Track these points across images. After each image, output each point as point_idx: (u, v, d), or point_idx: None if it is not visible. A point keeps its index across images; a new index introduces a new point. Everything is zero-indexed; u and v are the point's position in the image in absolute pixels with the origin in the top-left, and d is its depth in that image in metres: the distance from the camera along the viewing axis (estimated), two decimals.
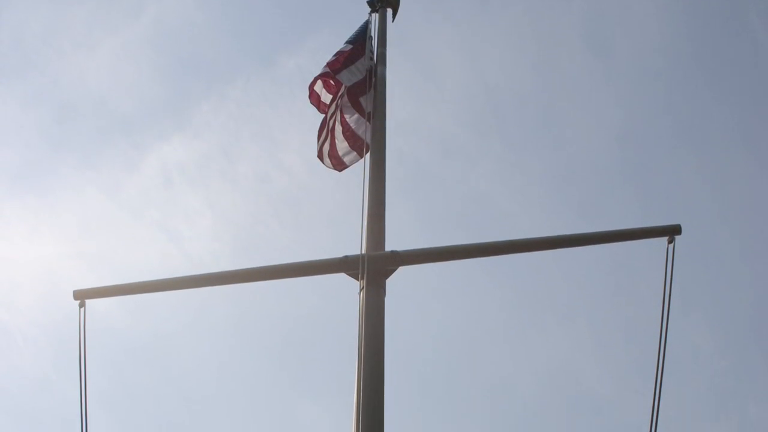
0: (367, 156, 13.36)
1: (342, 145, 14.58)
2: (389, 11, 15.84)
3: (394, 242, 11.91)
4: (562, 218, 31.70)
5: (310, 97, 14.93)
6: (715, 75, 34.45)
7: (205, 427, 31.94)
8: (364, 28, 15.18)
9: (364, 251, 11.55)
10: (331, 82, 14.70)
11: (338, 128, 14.56)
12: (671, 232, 11.31)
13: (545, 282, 31.10)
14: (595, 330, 32.54)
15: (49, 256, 32.13)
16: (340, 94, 14.59)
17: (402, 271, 11.53)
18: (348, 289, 11.49)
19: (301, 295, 29.97)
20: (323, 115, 14.91)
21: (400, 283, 11.62)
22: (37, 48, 34.24)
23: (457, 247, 11.68)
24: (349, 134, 14.46)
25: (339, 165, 14.72)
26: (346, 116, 14.48)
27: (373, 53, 14.81)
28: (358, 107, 14.36)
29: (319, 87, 14.87)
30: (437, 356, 31.82)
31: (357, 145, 14.36)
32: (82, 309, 11.41)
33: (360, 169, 13.03)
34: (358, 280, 11.34)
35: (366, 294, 11.20)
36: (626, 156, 33.75)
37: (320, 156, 14.84)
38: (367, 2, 15.76)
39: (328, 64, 14.56)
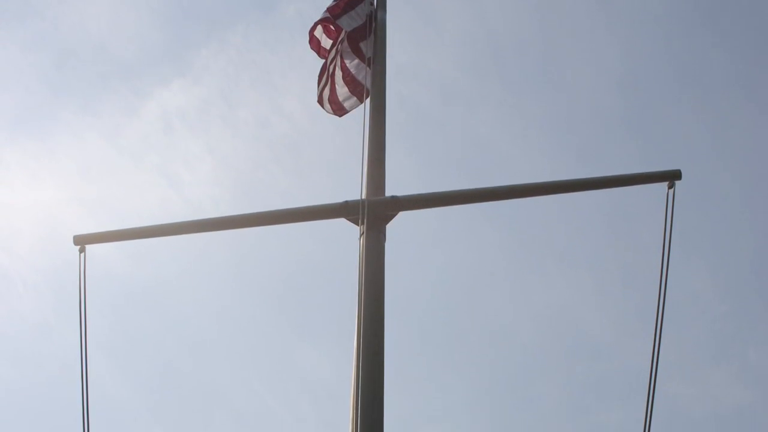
0: (367, 101, 13.35)
1: (342, 90, 14.54)
2: None
3: (394, 187, 11.92)
4: (562, 163, 31.70)
5: (310, 42, 14.87)
6: (716, 19, 34.31)
7: (206, 372, 32.11)
8: None
9: (364, 196, 11.56)
10: (332, 27, 14.62)
11: (338, 73, 14.52)
12: (671, 177, 11.31)
13: (545, 227, 31.13)
14: (595, 275, 32.62)
15: (49, 201, 32.18)
16: (340, 39, 14.53)
17: (402, 216, 11.54)
18: (348, 235, 11.52)
19: (302, 240, 30.00)
20: (323, 61, 14.87)
21: (400, 228, 11.66)
22: None
23: (457, 193, 11.68)
24: (349, 79, 14.42)
25: (339, 110, 14.69)
26: (346, 61, 14.43)
27: None
28: (358, 52, 14.30)
29: (319, 32, 14.80)
30: (437, 301, 31.93)
31: (357, 90, 14.32)
32: (82, 254, 11.44)
33: (360, 114, 13.02)
34: (358, 225, 11.36)
35: (366, 239, 11.22)
36: (627, 101, 33.68)
37: (320, 101, 14.81)
38: None
39: (329, 9, 14.48)
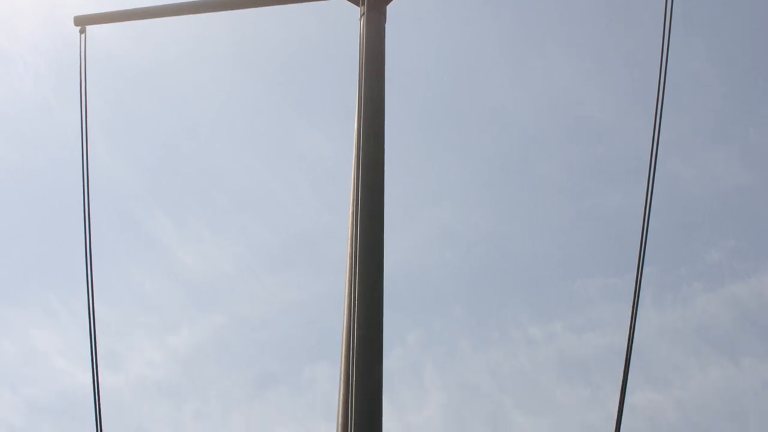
0: None
1: None
2: None
3: None
4: None
5: None
6: None
7: (205, 153, 32.36)
8: None
9: None
10: None
11: None
12: None
13: (545, 10, 30.90)
14: (595, 57, 32.55)
15: None
16: None
17: None
18: (348, 16, 11.48)
19: (302, 21, 29.81)
20: None
21: (401, 10, 11.60)
22: None
23: None
24: None
25: None
26: None
27: None
28: None
29: None
30: (438, 83, 31.95)
31: None
32: (83, 35, 11.44)
33: None
34: (358, 6, 11.32)
35: (366, 20, 11.19)
36: None
37: None
38: None
39: None
